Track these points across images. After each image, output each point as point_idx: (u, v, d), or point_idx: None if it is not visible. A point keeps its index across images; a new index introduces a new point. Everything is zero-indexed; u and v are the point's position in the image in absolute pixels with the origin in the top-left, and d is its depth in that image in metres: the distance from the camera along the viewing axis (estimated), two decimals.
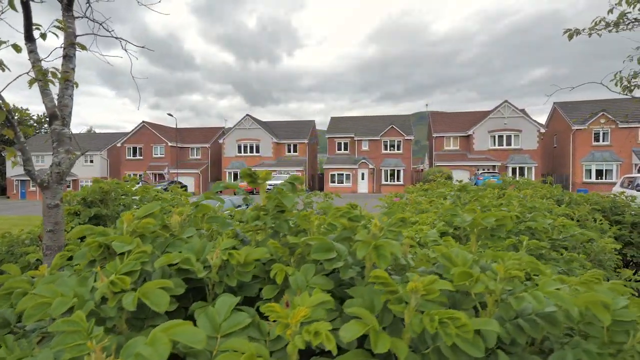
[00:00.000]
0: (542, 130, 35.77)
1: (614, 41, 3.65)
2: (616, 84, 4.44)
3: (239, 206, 14.04)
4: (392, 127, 38.80)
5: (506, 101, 36.64)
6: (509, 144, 36.31)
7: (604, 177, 33.28)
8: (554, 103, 38.72)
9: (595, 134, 33.51)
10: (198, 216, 1.38)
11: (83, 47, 2.71)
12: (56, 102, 2.37)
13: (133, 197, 3.32)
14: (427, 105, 47.30)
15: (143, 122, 42.09)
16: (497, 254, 1.12)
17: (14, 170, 39.37)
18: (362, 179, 38.54)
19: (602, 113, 31.80)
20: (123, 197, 3.25)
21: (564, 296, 0.86)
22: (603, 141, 33.47)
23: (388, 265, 0.91)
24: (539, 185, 5.55)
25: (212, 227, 1.34)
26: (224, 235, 1.20)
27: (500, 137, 36.53)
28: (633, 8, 3.79)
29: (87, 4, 3.13)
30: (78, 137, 45.20)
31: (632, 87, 4.43)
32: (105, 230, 1.12)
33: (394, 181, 37.97)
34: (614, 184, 20.57)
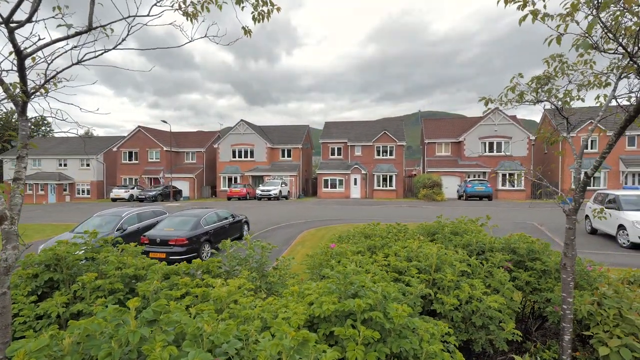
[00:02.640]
0: (532, 137, 36.29)
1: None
2: (538, 139, 5.06)
3: (225, 218, 14.59)
4: (385, 132, 39.36)
5: (497, 108, 37.05)
6: (499, 150, 36.89)
7: (592, 184, 33.86)
8: (545, 109, 39.22)
9: (583, 141, 34.04)
10: (83, 338, 1.92)
11: (34, 146, 3.25)
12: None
13: (84, 260, 3.85)
14: (419, 110, 47.73)
15: (139, 126, 42.67)
16: None
17: (11, 174, 39.94)
18: (355, 184, 39.10)
19: (590, 121, 32.30)
20: (76, 261, 3.79)
21: None
22: (592, 148, 33.98)
23: None
24: (473, 227, 6.05)
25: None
26: None
27: (491, 143, 37.10)
28: (531, 92, 4.38)
29: (46, 90, 3.66)
30: (74, 140, 45.77)
31: (552, 142, 5.07)
32: None
33: (386, 186, 38.55)
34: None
